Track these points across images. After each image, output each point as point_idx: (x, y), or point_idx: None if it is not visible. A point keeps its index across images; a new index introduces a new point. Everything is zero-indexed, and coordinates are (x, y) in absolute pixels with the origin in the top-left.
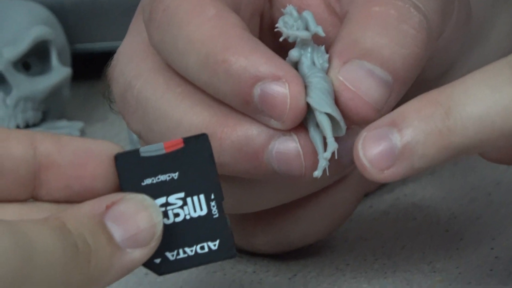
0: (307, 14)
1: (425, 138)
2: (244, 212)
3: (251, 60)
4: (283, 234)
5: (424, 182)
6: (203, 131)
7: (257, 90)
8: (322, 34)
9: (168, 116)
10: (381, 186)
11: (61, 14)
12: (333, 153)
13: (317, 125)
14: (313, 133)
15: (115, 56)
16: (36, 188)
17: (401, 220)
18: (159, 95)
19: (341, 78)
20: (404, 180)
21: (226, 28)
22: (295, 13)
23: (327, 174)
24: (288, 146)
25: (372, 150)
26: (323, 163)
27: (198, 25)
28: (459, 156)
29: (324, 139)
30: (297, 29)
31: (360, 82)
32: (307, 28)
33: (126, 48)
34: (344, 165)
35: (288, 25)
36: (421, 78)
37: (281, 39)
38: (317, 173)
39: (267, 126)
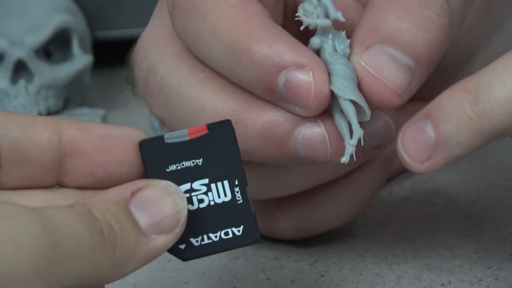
0: (326, 0)
1: (457, 127)
2: (267, 197)
3: (274, 48)
4: (305, 220)
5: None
6: (228, 117)
7: (281, 79)
8: (342, 19)
9: (191, 102)
10: (402, 172)
11: (82, 2)
12: (359, 139)
13: (342, 112)
14: (338, 119)
15: (139, 41)
16: (61, 174)
17: (421, 206)
18: (182, 81)
19: (363, 63)
20: None
21: (249, 16)
22: (314, 0)
23: (354, 159)
24: (314, 131)
25: (410, 144)
26: (349, 149)
27: (222, 13)
28: (496, 138)
29: (350, 125)
30: (317, 16)
31: (382, 67)
32: (327, 15)
33: (149, 33)
34: (368, 150)
35: (308, 13)
36: (444, 64)
37: (302, 28)
38: (344, 159)
39: (292, 113)
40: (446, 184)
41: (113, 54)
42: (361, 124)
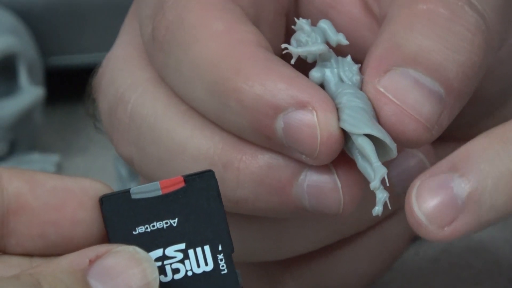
0: (324, 23)
1: (495, 184)
2: (274, 259)
3: (268, 85)
4: (319, 281)
5: None
6: (215, 158)
7: (279, 123)
8: (344, 42)
9: (170, 138)
10: None
11: (31, 21)
12: (384, 181)
13: None
14: (362, 162)
15: (104, 62)
16: (4, 237)
17: (455, 269)
18: (159, 112)
19: (381, 89)
20: None
21: (236, 46)
22: (306, 27)
23: (390, 208)
24: (323, 177)
25: (430, 202)
26: (381, 196)
27: (204, 44)
28: None
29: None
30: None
31: (405, 93)
32: (327, 42)
33: (118, 53)
34: (398, 195)
35: (302, 43)
36: (480, 95)
37: (292, 62)
38: (378, 209)
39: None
40: (487, 242)
41: (70, 86)
42: (390, 164)
